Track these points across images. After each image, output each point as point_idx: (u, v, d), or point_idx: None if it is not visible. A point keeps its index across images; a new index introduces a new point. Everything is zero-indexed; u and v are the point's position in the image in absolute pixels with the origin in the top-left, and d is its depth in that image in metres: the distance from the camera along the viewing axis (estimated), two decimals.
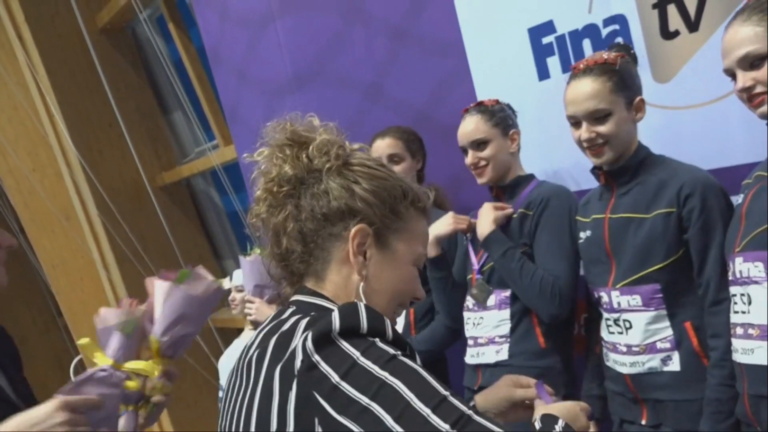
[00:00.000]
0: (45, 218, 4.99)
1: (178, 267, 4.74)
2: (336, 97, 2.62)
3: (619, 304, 1.54)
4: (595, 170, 1.64)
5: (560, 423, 0.86)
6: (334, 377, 0.76)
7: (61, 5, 4.58)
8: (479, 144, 1.89)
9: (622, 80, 1.55)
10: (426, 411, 0.73)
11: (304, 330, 0.83)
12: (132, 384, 1.30)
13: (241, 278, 3.19)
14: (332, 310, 0.83)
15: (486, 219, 1.84)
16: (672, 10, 1.76)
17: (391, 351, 0.78)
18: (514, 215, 1.86)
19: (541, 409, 0.96)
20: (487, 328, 1.88)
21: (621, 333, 1.55)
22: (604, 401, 1.72)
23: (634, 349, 1.53)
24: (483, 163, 1.89)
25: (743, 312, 1.30)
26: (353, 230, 0.92)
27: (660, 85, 1.83)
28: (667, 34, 1.80)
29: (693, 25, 1.74)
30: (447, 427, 0.72)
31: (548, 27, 2.03)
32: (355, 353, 0.77)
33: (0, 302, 5.99)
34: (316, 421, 0.76)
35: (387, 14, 2.46)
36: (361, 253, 0.92)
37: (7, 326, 1.34)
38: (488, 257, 1.89)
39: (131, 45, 5.01)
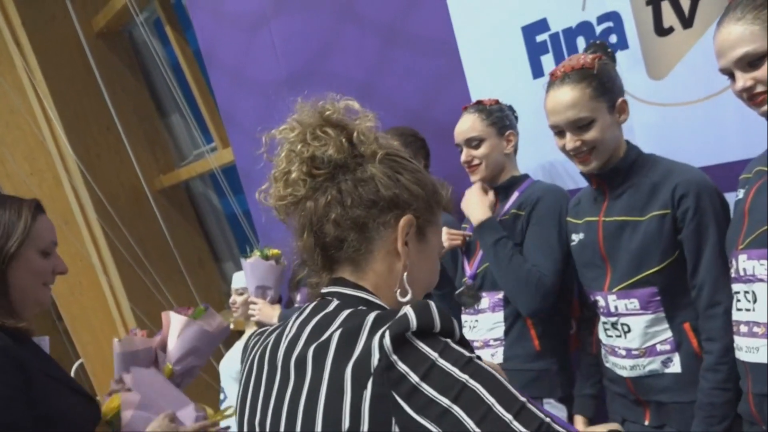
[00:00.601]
0: None
1: (177, 271, 4.76)
2: (329, 97, 2.60)
3: (616, 308, 1.53)
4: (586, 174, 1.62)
5: None
6: (414, 377, 0.75)
7: (58, 9, 4.58)
8: (474, 142, 1.89)
9: (602, 84, 1.51)
10: (508, 417, 0.73)
11: (373, 326, 0.80)
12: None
13: (241, 281, 3.19)
14: (377, 304, 0.87)
15: (480, 204, 1.82)
16: (666, 6, 1.75)
17: (467, 353, 0.78)
18: (506, 216, 1.85)
19: None
20: (482, 331, 1.86)
21: (620, 336, 1.54)
22: (596, 400, 1.71)
23: (634, 352, 1.51)
24: (476, 161, 1.89)
25: (747, 310, 1.28)
26: (404, 219, 0.91)
27: (655, 82, 1.82)
28: (662, 31, 1.78)
29: (687, 22, 1.73)
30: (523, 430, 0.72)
31: (542, 25, 2.02)
32: (433, 354, 0.77)
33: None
34: (393, 420, 0.76)
35: (379, 14, 2.45)
36: (405, 244, 0.91)
37: None
38: (482, 256, 1.87)
39: (128, 48, 5.01)
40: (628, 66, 1.84)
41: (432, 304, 0.80)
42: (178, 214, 5.07)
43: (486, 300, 1.86)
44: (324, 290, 0.93)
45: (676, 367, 1.47)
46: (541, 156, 2.07)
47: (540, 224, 1.79)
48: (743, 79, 1.26)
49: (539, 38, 2.03)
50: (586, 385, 1.73)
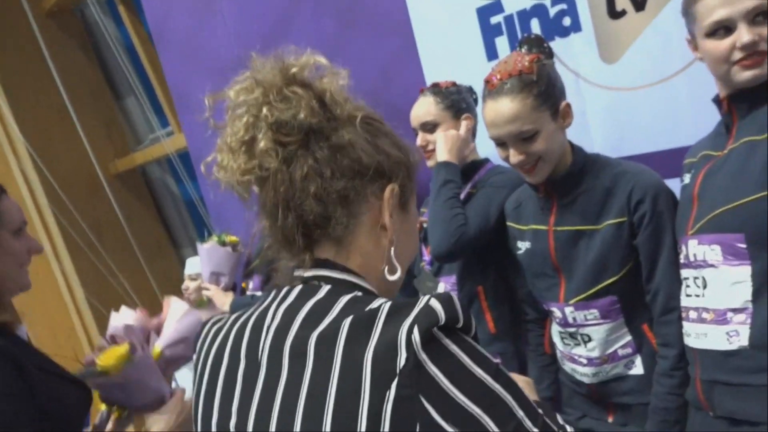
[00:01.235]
0: None
1: (134, 257, 4.66)
2: None
3: (575, 319, 1.48)
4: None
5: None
6: (444, 381, 0.69)
7: None
8: (428, 126, 1.84)
9: (543, 92, 1.40)
10: (527, 425, 0.71)
11: (391, 317, 0.71)
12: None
13: (194, 267, 3.13)
14: (369, 290, 0.80)
15: (453, 147, 1.76)
16: None
17: (492, 360, 0.73)
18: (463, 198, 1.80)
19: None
20: None
21: (579, 345, 1.50)
22: (553, 402, 1.67)
23: (596, 360, 1.48)
24: (432, 146, 1.84)
25: (697, 296, 1.28)
26: (388, 190, 0.82)
27: (607, 66, 1.80)
28: (614, 14, 1.76)
29: (639, 4, 1.71)
30: None
31: (496, 6, 1.99)
32: (462, 355, 0.71)
33: None
34: (418, 425, 0.68)
35: None
36: (389, 212, 0.83)
37: None
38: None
39: (80, 28, 4.85)
40: (582, 49, 1.82)
41: (454, 297, 0.72)
42: (135, 199, 4.95)
43: (441, 285, 1.84)
44: (307, 274, 0.82)
45: (638, 368, 1.45)
46: None
47: (485, 196, 1.75)
48: (750, 33, 1.18)
49: (494, 20, 2.00)
50: (542, 388, 1.68)
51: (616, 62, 1.79)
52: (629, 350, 1.46)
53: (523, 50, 1.49)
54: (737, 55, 1.20)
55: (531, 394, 0.84)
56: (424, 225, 1.90)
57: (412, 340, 0.68)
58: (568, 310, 1.48)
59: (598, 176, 1.45)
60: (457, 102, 1.86)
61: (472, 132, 1.89)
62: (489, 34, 2.02)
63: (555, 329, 1.58)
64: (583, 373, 1.52)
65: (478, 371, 0.70)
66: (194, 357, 0.90)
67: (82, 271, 4.67)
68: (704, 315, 1.26)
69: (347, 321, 0.73)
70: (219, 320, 0.90)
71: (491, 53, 2.03)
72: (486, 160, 1.90)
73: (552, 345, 1.64)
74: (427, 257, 1.89)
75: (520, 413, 0.70)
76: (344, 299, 0.77)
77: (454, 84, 1.89)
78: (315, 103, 0.79)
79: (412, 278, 1.92)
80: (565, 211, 1.49)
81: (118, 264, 4.52)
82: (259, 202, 0.84)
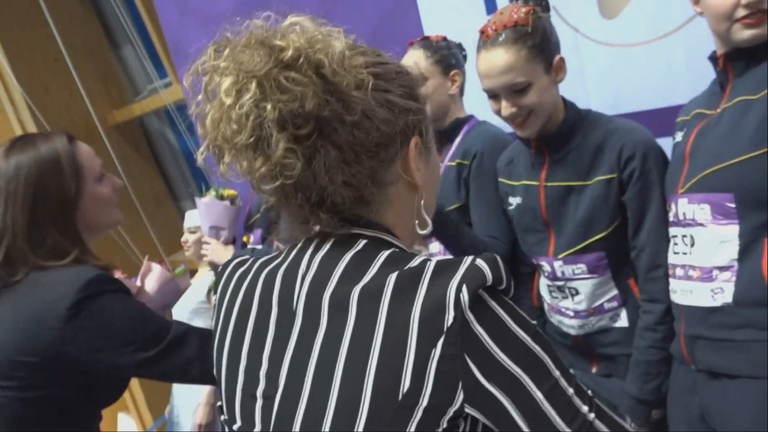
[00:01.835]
0: None
1: (133, 209, 4.66)
2: None
3: (563, 273, 1.51)
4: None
5: None
6: (489, 341, 0.69)
7: None
8: None
9: (537, 44, 1.39)
10: (570, 392, 0.71)
11: (438, 274, 0.70)
12: None
13: (194, 220, 3.14)
14: (402, 248, 0.77)
15: None
16: None
17: (531, 321, 0.73)
18: (452, 163, 1.78)
19: None
20: None
21: (566, 298, 1.53)
22: None
23: (582, 313, 1.51)
24: None
25: (684, 253, 1.29)
26: (413, 146, 0.79)
27: (607, 21, 1.78)
28: None
29: None
30: (586, 409, 0.71)
31: None
32: (505, 316, 0.71)
33: None
34: (460, 384, 0.69)
35: None
36: (417, 166, 0.80)
37: None
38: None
39: None
40: (582, 4, 1.80)
41: (499, 258, 0.72)
42: (133, 151, 4.93)
43: (435, 245, 1.84)
44: (340, 231, 0.78)
45: (623, 321, 1.49)
46: None
47: (486, 189, 1.70)
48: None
49: None
50: None
51: (616, 18, 1.77)
52: (615, 303, 1.49)
53: (520, 2, 1.47)
54: (741, 12, 1.18)
55: None
56: None
57: (460, 299, 0.68)
58: (557, 264, 1.51)
59: (589, 133, 1.46)
60: (447, 57, 1.83)
61: (460, 89, 1.87)
62: None
63: (543, 282, 1.61)
64: (570, 325, 1.55)
65: (520, 332, 0.71)
66: (216, 298, 0.88)
67: None
68: (690, 272, 1.28)
69: (392, 277, 0.71)
70: (242, 263, 0.87)
71: (490, 7, 2.00)
72: (470, 117, 1.88)
73: (540, 298, 1.68)
74: None
75: (557, 373, 0.71)
76: (384, 254, 0.75)
77: (444, 39, 1.86)
78: (319, 82, 0.72)
79: None
80: (556, 166, 1.50)
81: None
82: (274, 193, 0.77)
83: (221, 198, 2.70)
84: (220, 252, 2.55)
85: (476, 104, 1.88)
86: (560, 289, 1.54)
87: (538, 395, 0.69)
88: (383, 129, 0.75)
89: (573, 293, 1.51)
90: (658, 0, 1.65)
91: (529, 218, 1.55)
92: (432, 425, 0.69)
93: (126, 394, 5.03)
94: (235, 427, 0.80)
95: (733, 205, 1.20)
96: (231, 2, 2.67)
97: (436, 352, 0.68)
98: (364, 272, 0.73)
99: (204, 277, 3.00)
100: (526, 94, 1.41)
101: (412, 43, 1.88)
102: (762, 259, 1.18)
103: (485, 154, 1.71)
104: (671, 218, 1.34)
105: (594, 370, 1.55)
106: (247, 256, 0.89)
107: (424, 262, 0.72)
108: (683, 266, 1.30)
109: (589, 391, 0.74)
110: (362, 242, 0.77)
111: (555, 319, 1.60)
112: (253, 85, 0.71)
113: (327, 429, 0.70)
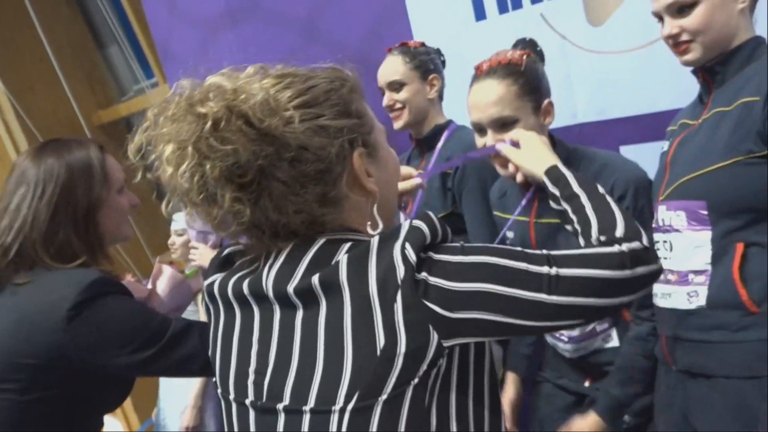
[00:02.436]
0: None
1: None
2: (270, 34, 2.53)
3: None
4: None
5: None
6: (440, 282, 0.76)
7: None
8: (395, 85, 1.83)
9: (528, 82, 1.41)
10: (524, 266, 0.78)
11: (383, 243, 0.77)
12: None
13: (181, 222, 3.13)
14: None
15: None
16: None
17: (462, 243, 0.81)
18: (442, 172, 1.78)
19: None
20: None
21: None
22: (530, 361, 1.72)
23: (576, 338, 1.53)
24: (399, 105, 1.83)
25: (665, 258, 1.33)
26: (356, 159, 0.84)
27: (594, 29, 1.82)
28: None
29: None
30: (546, 269, 0.79)
31: None
32: (448, 257, 0.78)
33: None
34: (430, 327, 0.76)
35: None
36: (366, 175, 0.86)
37: None
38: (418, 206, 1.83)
39: None
40: (569, 11, 1.83)
41: (431, 214, 0.80)
42: (119, 151, 4.86)
43: None
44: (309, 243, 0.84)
45: (614, 341, 1.50)
46: None
47: (474, 201, 1.72)
48: (670, 26, 1.27)
49: None
50: (522, 345, 1.72)
51: (602, 25, 1.80)
52: (605, 325, 1.51)
53: (519, 47, 1.50)
54: (670, 42, 1.28)
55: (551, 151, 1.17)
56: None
57: (406, 255, 0.76)
58: None
59: (579, 170, 1.42)
60: (425, 63, 1.84)
61: (439, 94, 1.88)
62: None
63: None
64: (564, 349, 1.57)
65: (463, 258, 0.78)
66: (206, 295, 0.92)
67: None
68: (669, 276, 1.32)
69: (344, 258, 0.78)
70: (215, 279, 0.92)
71: (479, 13, 2.03)
72: (449, 122, 1.88)
73: None
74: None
75: (504, 262, 0.79)
76: (345, 246, 0.81)
77: (422, 44, 1.88)
78: (249, 131, 0.77)
79: None
80: (546, 203, 1.45)
81: None
82: (234, 236, 0.86)
83: None
84: (208, 257, 2.53)
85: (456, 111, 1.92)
86: None
87: (503, 290, 0.77)
88: (321, 155, 0.80)
89: None
90: (644, 8, 1.67)
91: None
92: (413, 370, 0.76)
93: None
94: (230, 398, 0.87)
95: (705, 212, 1.25)
96: (220, 4, 2.67)
97: (398, 305, 0.76)
98: (328, 262, 0.80)
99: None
100: (512, 131, 1.39)
101: (391, 50, 1.89)
102: (733, 264, 1.22)
103: (470, 172, 1.73)
104: (654, 224, 1.38)
105: (587, 384, 1.57)
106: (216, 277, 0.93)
107: (370, 240, 0.79)
108: (663, 270, 1.34)
109: (544, 251, 0.82)
110: (321, 241, 0.82)
111: (550, 341, 1.62)
112: (190, 150, 0.78)
113: (315, 392, 0.77)
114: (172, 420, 2.85)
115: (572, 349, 1.56)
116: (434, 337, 0.76)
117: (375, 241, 0.78)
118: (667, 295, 1.33)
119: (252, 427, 0.83)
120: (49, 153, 1.24)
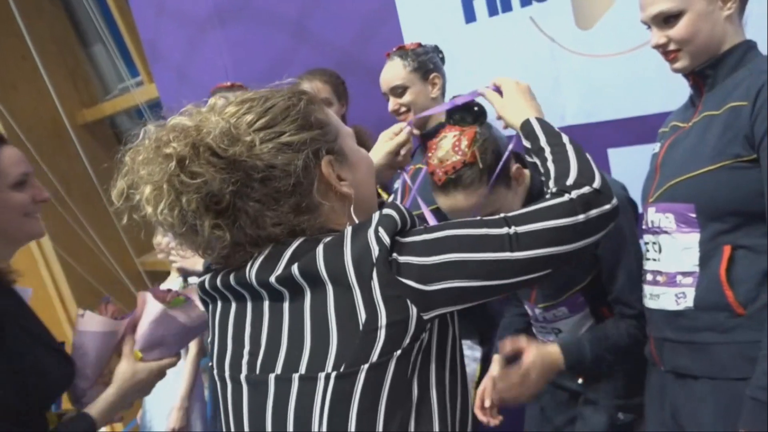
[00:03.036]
0: None
1: (104, 210, 4.50)
2: (259, 34, 2.52)
3: (545, 318, 1.55)
4: None
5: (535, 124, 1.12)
6: (412, 259, 0.83)
7: None
8: (398, 90, 1.86)
9: (490, 168, 1.37)
10: (484, 231, 0.86)
11: (356, 230, 0.84)
12: None
13: None
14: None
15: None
16: None
17: (427, 225, 0.89)
18: None
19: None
20: None
21: (550, 334, 1.57)
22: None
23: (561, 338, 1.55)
24: (404, 109, 1.86)
25: (654, 260, 1.35)
26: (325, 168, 0.90)
27: (582, 32, 1.83)
28: None
29: None
30: (505, 230, 0.87)
31: None
32: (416, 238, 0.85)
33: None
34: (408, 301, 0.82)
35: None
36: (338, 180, 0.92)
37: None
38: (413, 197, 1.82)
39: None
40: (558, 14, 1.84)
41: (398, 203, 0.87)
42: (103, 150, 4.84)
43: None
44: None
45: None
46: None
47: None
48: (657, 36, 1.29)
49: None
50: (509, 331, 1.72)
51: (591, 28, 1.82)
52: (588, 323, 1.52)
53: (452, 122, 1.43)
54: (659, 50, 1.31)
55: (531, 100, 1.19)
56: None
57: (380, 236, 0.82)
58: (537, 311, 1.56)
59: None
60: (425, 63, 1.87)
61: (441, 91, 1.90)
62: None
63: (532, 322, 1.65)
64: None
65: (430, 236, 0.85)
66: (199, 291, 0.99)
67: (50, 223, 4.57)
68: (658, 278, 1.33)
69: (320, 246, 0.84)
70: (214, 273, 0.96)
71: (469, 16, 2.04)
72: None
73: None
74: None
75: (466, 231, 0.86)
76: (326, 239, 0.86)
77: (419, 45, 1.90)
78: (216, 161, 0.83)
79: None
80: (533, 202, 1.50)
81: (87, 216, 4.46)
82: (219, 259, 0.92)
83: None
84: (191, 258, 2.51)
85: None
86: (544, 328, 1.58)
87: (470, 256, 0.84)
88: (289, 170, 0.86)
89: (557, 332, 1.55)
90: (633, 11, 1.69)
91: None
92: (396, 341, 0.81)
93: None
94: (226, 376, 0.92)
95: (694, 215, 1.26)
96: (208, 3, 2.65)
97: (375, 282, 0.82)
98: (305, 254, 0.85)
99: (174, 283, 2.97)
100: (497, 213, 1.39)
101: (389, 54, 1.91)
102: (720, 266, 1.24)
103: None
104: (643, 226, 1.39)
105: (580, 381, 1.58)
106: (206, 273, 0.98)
107: (346, 229, 0.86)
108: (653, 272, 1.36)
109: (501, 214, 0.90)
110: (300, 239, 0.87)
111: (540, 340, 1.63)
112: (165, 188, 0.84)
113: (305, 362, 0.83)
114: (158, 421, 2.83)
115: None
116: (413, 310, 0.82)
117: (349, 230, 0.85)
118: (655, 296, 1.34)
119: (245, 401, 0.89)
120: None
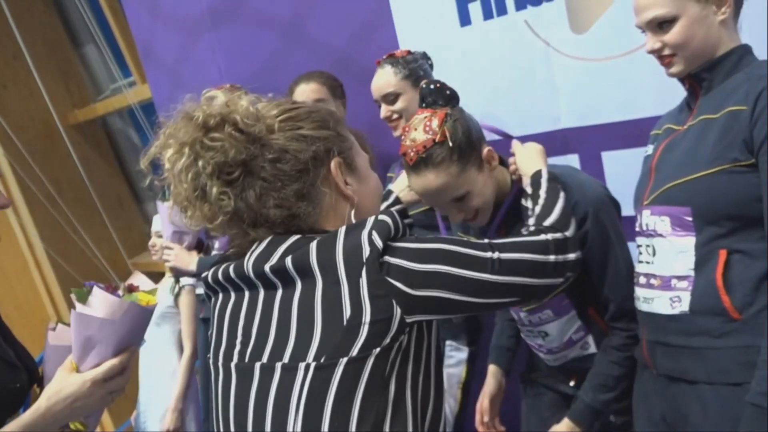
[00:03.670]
0: None
1: (95, 211, 4.48)
2: (254, 36, 2.51)
3: (530, 321, 1.55)
4: None
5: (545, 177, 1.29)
6: (403, 263, 0.88)
7: None
8: (390, 97, 1.87)
9: (462, 154, 1.37)
10: (472, 252, 0.93)
11: (349, 230, 0.89)
12: None
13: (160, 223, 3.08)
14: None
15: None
16: None
17: (418, 236, 0.96)
18: None
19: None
20: None
21: (537, 338, 1.57)
22: (513, 353, 1.74)
23: (555, 349, 1.56)
24: (396, 116, 1.87)
25: (648, 263, 1.34)
26: (334, 166, 0.96)
27: (577, 36, 1.83)
28: None
29: None
30: (489, 254, 0.95)
31: None
32: (409, 245, 0.90)
33: None
34: (393, 301, 0.87)
35: None
36: (344, 182, 0.98)
37: None
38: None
39: None
40: (553, 18, 1.84)
41: (393, 211, 0.93)
42: (95, 151, 4.82)
43: None
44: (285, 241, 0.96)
45: (592, 348, 1.52)
46: (465, 105, 2.06)
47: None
48: (652, 41, 1.30)
49: None
50: (503, 338, 1.75)
51: (586, 32, 1.82)
52: (582, 333, 1.53)
53: (425, 105, 1.44)
54: (654, 55, 1.32)
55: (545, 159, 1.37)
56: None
57: (372, 239, 0.88)
58: (522, 314, 1.56)
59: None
60: (415, 70, 1.88)
61: None
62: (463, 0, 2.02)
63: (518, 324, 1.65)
64: (545, 359, 1.60)
65: (421, 245, 0.92)
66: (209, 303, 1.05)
67: (41, 224, 4.56)
68: (652, 281, 1.33)
69: (313, 242, 0.90)
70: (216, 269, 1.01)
71: (464, 19, 2.04)
72: None
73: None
74: None
75: (457, 249, 0.93)
76: (318, 237, 0.92)
77: (409, 52, 1.91)
78: (237, 135, 0.92)
79: None
80: (514, 234, 1.49)
81: (79, 217, 4.44)
82: (219, 229, 0.98)
83: None
84: (183, 257, 2.48)
85: None
86: (531, 332, 1.58)
87: (457, 271, 0.91)
88: (300, 156, 0.94)
89: (543, 335, 1.55)
90: (628, 15, 1.69)
91: None
92: (377, 339, 0.86)
93: None
94: (219, 364, 0.98)
95: (690, 219, 1.26)
96: (202, 4, 2.64)
97: (363, 280, 0.87)
98: (298, 248, 0.91)
99: (169, 282, 2.95)
100: (468, 200, 1.41)
101: (379, 62, 1.92)
102: (716, 270, 1.24)
103: None
104: (637, 228, 1.39)
105: (572, 383, 1.59)
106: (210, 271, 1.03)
107: (340, 229, 0.91)
108: (646, 275, 1.35)
109: (486, 240, 0.99)
110: (295, 236, 0.93)
111: (534, 350, 1.65)
112: (186, 150, 0.93)
113: (288, 355, 0.88)
114: (153, 422, 2.82)
115: (552, 359, 1.58)
116: (397, 311, 0.87)
117: (343, 229, 0.90)
118: (649, 300, 1.34)
119: (233, 388, 0.94)
120: None
